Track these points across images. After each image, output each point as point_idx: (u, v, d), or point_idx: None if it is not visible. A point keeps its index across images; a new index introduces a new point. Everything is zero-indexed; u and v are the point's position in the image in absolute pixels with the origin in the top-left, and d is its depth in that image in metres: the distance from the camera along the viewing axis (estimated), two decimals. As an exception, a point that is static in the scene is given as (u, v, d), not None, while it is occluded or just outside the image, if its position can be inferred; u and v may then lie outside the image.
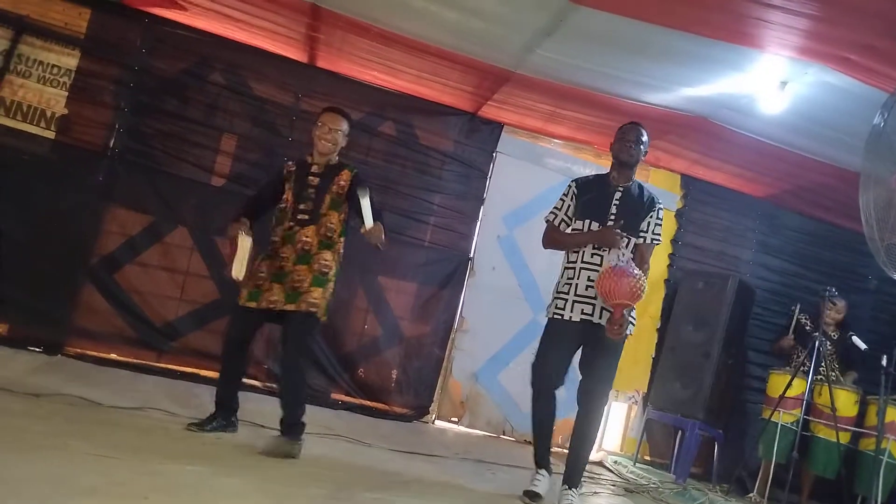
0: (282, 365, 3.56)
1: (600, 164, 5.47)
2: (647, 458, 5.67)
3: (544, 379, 3.51)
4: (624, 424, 5.85)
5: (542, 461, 3.57)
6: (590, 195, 3.60)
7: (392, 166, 5.28)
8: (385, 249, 3.52)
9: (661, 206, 3.63)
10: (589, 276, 3.46)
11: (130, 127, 4.78)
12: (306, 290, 3.41)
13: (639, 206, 3.56)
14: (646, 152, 3.63)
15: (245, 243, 3.41)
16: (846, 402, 4.82)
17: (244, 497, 2.62)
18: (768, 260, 6.11)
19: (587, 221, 3.54)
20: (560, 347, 3.52)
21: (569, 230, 3.60)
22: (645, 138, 3.60)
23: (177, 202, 4.85)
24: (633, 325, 3.43)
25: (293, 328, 3.41)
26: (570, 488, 3.44)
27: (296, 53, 5.05)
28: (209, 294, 4.89)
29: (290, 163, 3.72)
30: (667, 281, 5.88)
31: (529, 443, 5.44)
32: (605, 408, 3.62)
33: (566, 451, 3.70)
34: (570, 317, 3.46)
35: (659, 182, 5.90)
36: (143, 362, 4.69)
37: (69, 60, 4.69)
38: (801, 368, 4.76)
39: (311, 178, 3.58)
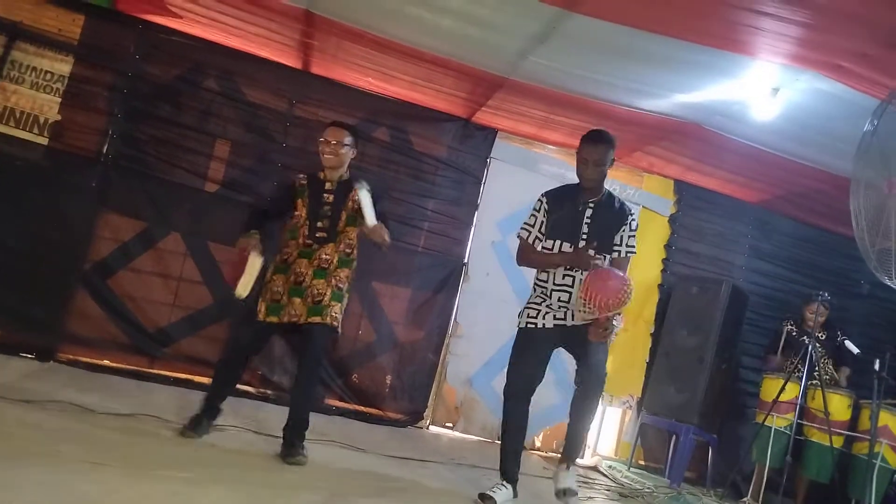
0: (300, 372, 3.55)
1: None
2: (642, 462, 5.68)
3: (516, 389, 3.47)
4: (618, 429, 5.85)
5: (507, 472, 3.45)
6: (560, 213, 3.49)
7: (386, 172, 5.29)
8: (386, 250, 3.52)
9: (634, 215, 3.54)
10: (560, 297, 3.43)
11: (124, 133, 4.77)
12: (328, 303, 3.44)
13: (611, 222, 3.47)
14: (612, 160, 3.45)
15: (256, 263, 3.37)
16: (839, 406, 4.83)
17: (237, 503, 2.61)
18: (761, 265, 6.14)
19: (558, 242, 3.47)
20: (532, 356, 3.47)
21: (540, 246, 3.53)
22: (609, 155, 3.41)
23: (170, 208, 4.85)
24: (617, 327, 3.35)
25: (315, 339, 3.43)
26: (568, 467, 3.46)
27: (290, 60, 5.06)
28: (202, 300, 4.88)
29: (302, 176, 3.68)
30: (661, 286, 5.90)
31: (524, 448, 5.48)
32: (602, 390, 3.54)
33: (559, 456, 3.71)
34: (544, 324, 3.44)
35: (652, 188, 5.93)
36: (136, 368, 4.68)
37: (62, 66, 4.68)
38: (795, 373, 4.78)
39: (325, 195, 3.57)
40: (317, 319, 3.41)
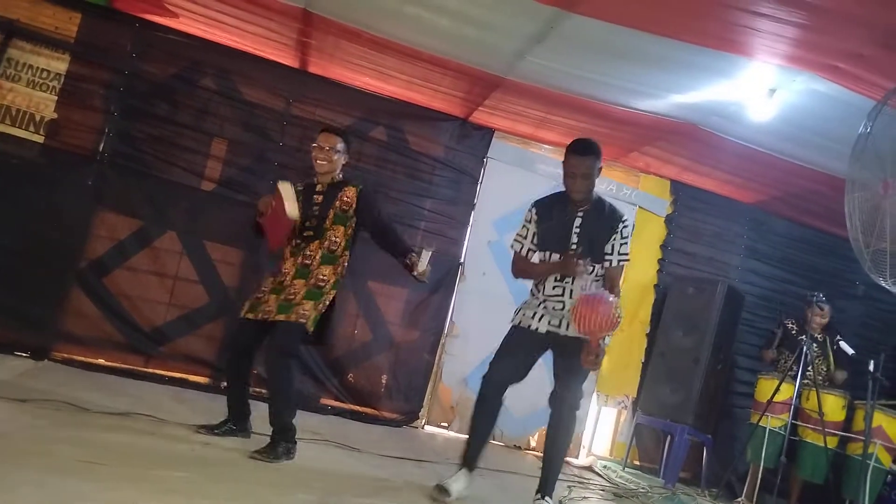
0: (266, 369, 3.59)
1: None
2: (637, 462, 5.68)
3: (492, 385, 3.44)
4: (613, 429, 5.86)
5: (469, 461, 3.43)
6: (549, 223, 3.45)
7: (383, 171, 5.29)
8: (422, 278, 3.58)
9: (626, 221, 3.43)
10: (554, 306, 3.40)
11: (120, 131, 4.76)
12: (298, 302, 3.44)
13: (601, 230, 3.38)
14: (600, 169, 3.39)
15: (286, 187, 3.44)
16: (834, 406, 4.85)
17: (232, 502, 2.61)
18: (757, 265, 6.15)
19: (548, 253, 3.43)
20: (518, 356, 3.43)
21: (535, 257, 3.50)
22: (596, 166, 3.35)
23: (166, 207, 4.84)
24: (606, 343, 3.29)
25: (277, 336, 3.44)
26: (543, 497, 3.35)
27: (287, 59, 5.05)
28: (198, 299, 4.88)
29: (299, 184, 3.71)
30: (656, 286, 5.90)
31: (520, 448, 5.50)
32: (581, 412, 3.47)
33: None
34: (537, 328, 3.39)
35: (649, 188, 5.94)
36: (132, 367, 4.67)
37: (59, 64, 4.68)
38: (789, 373, 4.79)
39: (316, 196, 3.61)
40: (282, 317, 3.41)
